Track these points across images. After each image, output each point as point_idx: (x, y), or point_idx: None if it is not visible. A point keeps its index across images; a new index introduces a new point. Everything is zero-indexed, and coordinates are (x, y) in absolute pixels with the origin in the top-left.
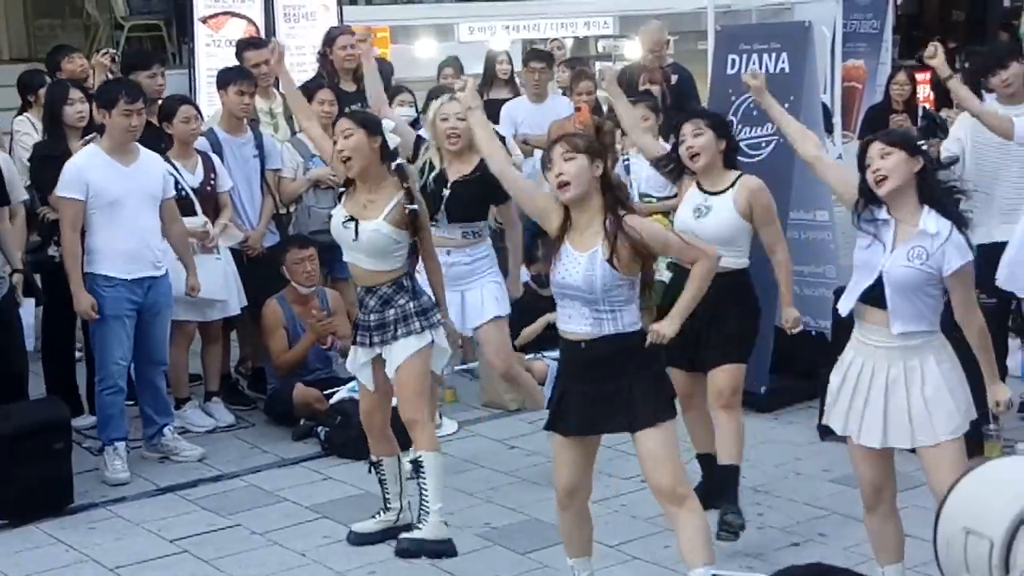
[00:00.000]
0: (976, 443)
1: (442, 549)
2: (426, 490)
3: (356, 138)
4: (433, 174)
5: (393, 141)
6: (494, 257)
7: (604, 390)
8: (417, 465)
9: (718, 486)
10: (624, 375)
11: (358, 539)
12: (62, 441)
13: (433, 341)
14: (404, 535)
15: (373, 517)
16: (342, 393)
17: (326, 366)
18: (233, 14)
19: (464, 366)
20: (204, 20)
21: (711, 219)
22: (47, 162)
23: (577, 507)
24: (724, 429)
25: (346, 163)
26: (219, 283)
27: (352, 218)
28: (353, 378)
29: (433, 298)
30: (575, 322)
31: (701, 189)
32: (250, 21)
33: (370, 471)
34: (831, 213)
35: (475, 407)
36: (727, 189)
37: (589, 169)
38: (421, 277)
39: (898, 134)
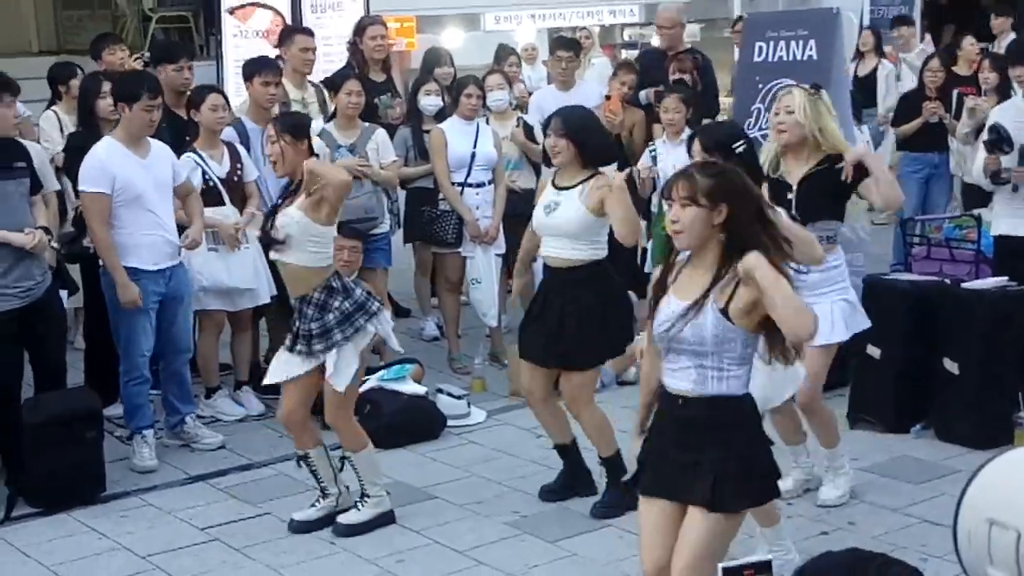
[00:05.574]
0: (1005, 431)
1: (382, 522)
2: (362, 479)
3: (279, 145)
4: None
5: (318, 145)
6: (846, 269)
7: (690, 456)
8: (346, 460)
9: (609, 475)
10: (717, 445)
11: (299, 527)
12: (94, 430)
13: (375, 332)
14: (341, 518)
15: (313, 506)
16: (371, 382)
17: None
18: (260, 5)
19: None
20: (232, 11)
21: (559, 214)
22: (82, 154)
23: None
24: (589, 429)
25: (274, 165)
26: (248, 272)
27: (272, 212)
28: (383, 367)
29: (364, 291)
30: (676, 377)
31: (555, 186)
32: (277, 12)
33: (299, 465)
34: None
35: (503, 396)
36: (577, 185)
37: (708, 217)
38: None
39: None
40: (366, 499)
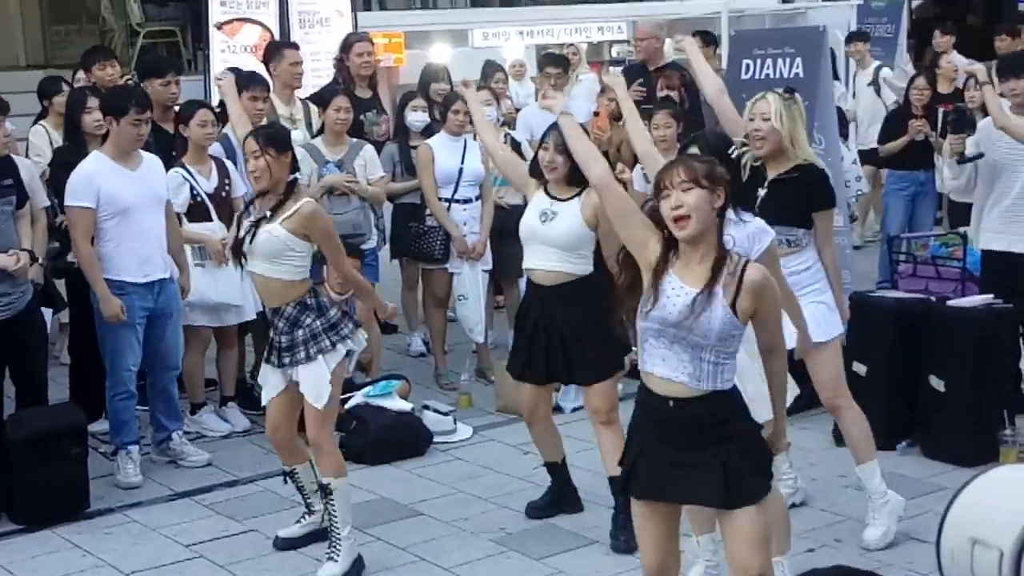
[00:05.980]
0: (991, 449)
1: (358, 569)
2: (335, 516)
3: (264, 159)
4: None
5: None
6: (821, 270)
7: (691, 456)
8: (325, 490)
9: (617, 499)
10: (718, 442)
11: (284, 544)
12: (78, 446)
13: (349, 352)
14: None
15: (298, 523)
16: (357, 398)
17: None
18: (248, 20)
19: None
20: (219, 26)
21: (557, 224)
22: (66, 168)
23: None
24: (608, 444)
25: (258, 180)
26: (235, 288)
27: (254, 225)
28: (369, 383)
29: (339, 312)
30: (669, 366)
31: (548, 195)
32: (265, 27)
33: (285, 481)
34: (845, 219)
35: (489, 412)
36: (573, 197)
37: (710, 200)
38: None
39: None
40: (338, 543)
